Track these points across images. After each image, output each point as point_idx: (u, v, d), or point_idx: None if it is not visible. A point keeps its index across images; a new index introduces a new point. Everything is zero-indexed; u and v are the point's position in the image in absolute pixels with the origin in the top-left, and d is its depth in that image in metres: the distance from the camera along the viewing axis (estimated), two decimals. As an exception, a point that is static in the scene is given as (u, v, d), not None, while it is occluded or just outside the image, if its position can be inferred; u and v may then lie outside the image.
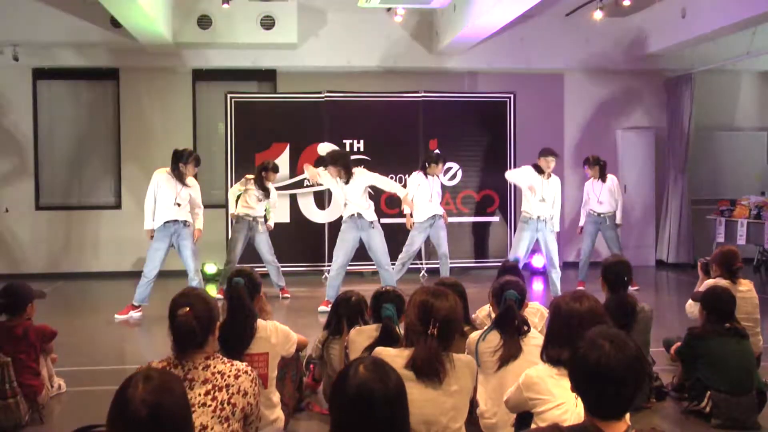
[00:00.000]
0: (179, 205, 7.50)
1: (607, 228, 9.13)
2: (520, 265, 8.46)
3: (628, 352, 2.09)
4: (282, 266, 8.86)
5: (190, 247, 7.59)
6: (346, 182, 7.64)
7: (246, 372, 2.76)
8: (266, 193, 8.57)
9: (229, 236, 8.97)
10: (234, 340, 3.69)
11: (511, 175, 8.74)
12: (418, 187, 8.46)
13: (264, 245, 8.56)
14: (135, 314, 7.54)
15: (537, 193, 8.16)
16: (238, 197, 8.68)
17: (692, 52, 10.94)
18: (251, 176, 8.61)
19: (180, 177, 7.53)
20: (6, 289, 4.70)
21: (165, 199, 7.48)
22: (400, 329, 3.57)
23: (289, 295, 8.75)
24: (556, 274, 8.34)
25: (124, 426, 1.94)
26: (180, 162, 7.53)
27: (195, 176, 7.77)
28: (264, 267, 8.61)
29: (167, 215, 7.49)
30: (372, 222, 7.67)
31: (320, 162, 8.40)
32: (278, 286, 8.73)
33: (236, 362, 2.80)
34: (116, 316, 7.54)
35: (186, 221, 7.58)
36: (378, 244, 7.68)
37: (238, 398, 2.68)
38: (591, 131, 11.54)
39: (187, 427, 2.05)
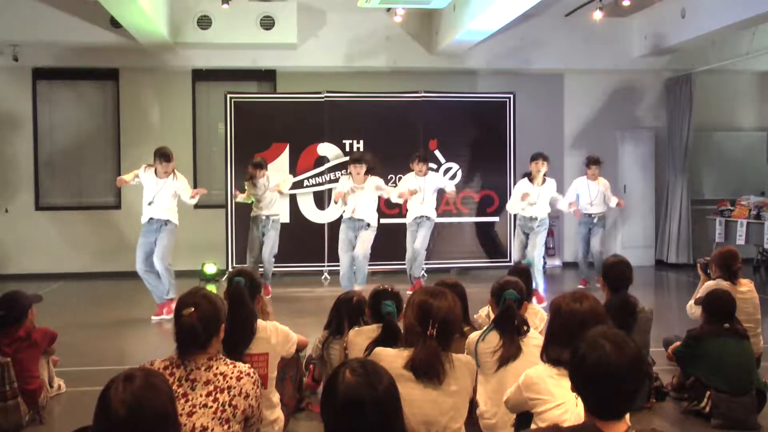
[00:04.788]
0: (150, 203, 7.50)
1: (600, 228, 9.21)
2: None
3: (628, 352, 2.09)
4: (282, 266, 8.88)
5: (162, 243, 7.56)
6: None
7: (248, 374, 2.75)
8: (261, 189, 8.63)
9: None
10: (234, 340, 3.68)
11: (511, 204, 8.87)
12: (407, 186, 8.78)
13: (269, 242, 8.62)
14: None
15: (531, 197, 8.42)
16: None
17: (692, 52, 10.94)
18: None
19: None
20: (3, 300, 4.62)
21: (146, 197, 7.55)
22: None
23: (270, 296, 8.50)
24: (538, 272, 8.51)
25: (106, 426, 1.95)
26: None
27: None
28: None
29: (147, 213, 7.55)
30: (370, 224, 8.24)
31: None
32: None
33: (239, 364, 2.79)
34: (153, 317, 7.54)
35: (167, 220, 7.54)
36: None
37: (239, 400, 2.68)
38: (591, 131, 11.53)
39: (171, 428, 2.05)
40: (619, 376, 2.06)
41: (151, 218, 7.52)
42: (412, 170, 8.84)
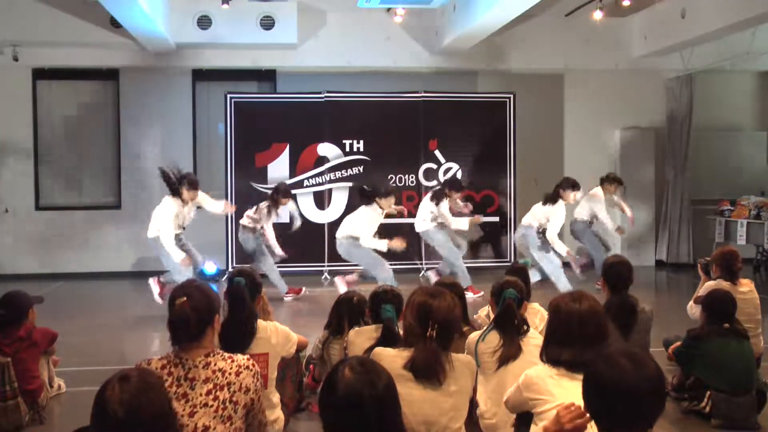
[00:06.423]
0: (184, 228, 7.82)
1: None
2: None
3: (648, 371, 2.02)
4: (282, 266, 8.86)
5: None
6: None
7: (247, 367, 2.72)
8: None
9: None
10: (234, 340, 3.68)
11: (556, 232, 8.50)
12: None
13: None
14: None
15: None
16: None
17: (692, 52, 10.94)
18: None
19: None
20: (3, 300, 4.62)
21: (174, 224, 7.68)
22: (399, 329, 3.57)
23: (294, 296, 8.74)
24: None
25: (104, 427, 1.94)
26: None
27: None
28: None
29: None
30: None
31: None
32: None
33: (237, 357, 2.75)
34: None
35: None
36: None
37: (239, 395, 2.66)
38: (591, 131, 11.52)
39: (168, 427, 2.05)
40: (637, 396, 1.99)
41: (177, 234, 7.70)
42: (450, 200, 8.66)
